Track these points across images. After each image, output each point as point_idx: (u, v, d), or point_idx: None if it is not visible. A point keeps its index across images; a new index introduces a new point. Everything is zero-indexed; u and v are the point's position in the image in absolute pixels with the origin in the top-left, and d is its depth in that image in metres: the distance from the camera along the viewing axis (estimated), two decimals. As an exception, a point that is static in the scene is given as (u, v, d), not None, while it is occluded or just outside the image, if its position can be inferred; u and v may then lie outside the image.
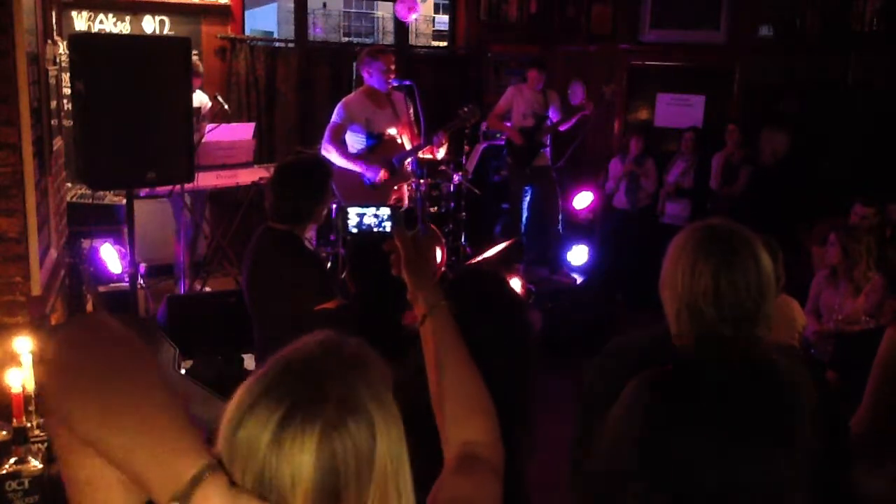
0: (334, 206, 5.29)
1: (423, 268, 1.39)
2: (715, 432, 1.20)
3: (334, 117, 5.10)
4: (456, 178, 6.27)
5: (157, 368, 0.90)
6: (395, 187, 5.23)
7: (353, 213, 1.53)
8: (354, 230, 1.53)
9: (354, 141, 5.14)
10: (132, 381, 0.86)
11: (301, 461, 0.86)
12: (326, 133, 5.07)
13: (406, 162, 5.30)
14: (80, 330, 0.92)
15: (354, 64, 6.12)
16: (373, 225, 1.52)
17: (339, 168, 4.90)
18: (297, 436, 0.86)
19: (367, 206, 1.54)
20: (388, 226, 1.51)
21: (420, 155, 5.44)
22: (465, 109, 5.44)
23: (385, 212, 1.50)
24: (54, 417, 0.88)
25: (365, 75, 5.17)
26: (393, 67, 5.11)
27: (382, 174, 5.05)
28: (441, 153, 5.47)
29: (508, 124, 6.65)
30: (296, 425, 0.87)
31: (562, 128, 6.61)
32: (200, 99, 5.70)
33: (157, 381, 0.88)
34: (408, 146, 5.25)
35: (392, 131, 5.21)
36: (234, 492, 0.84)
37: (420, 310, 1.36)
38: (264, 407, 0.88)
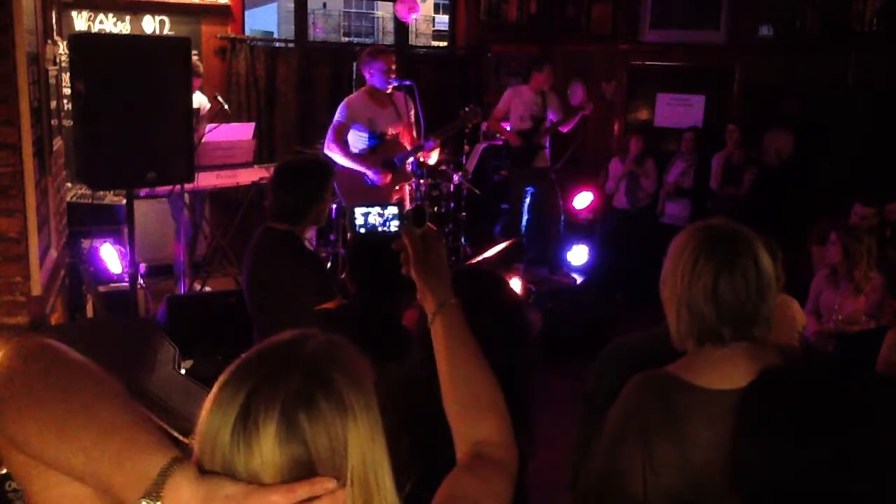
0: (334, 206, 5.31)
1: (433, 266, 1.37)
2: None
3: (337, 116, 5.11)
4: (456, 178, 6.27)
5: (110, 378, 0.89)
6: (397, 187, 5.24)
7: (358, 212, 1.51)
8: (361, 229, 1.51)
9: (357, 140, 5.15)
10: (85, 395, 0.85)
11: (266, 435, 0.84)
12: (329, 133, 5.08)
13: (407, 162, 5.30)
14: (21, 354, 0.90)
15: (354, 64, 6.12)
16: (378, 224, 1.50)
17: (341, 168, 4.90)
18: (259, 410, 0.85)
19: (373, 206, 1.52)
20: (393, 225, 1.49)
21: (417, 158, 5.45)
22: (467, 109, 5.44)
23: (392, 210, 1.49)
24: (5, 442, 0.86)
25: (366, 75, 5.17)
26: (394, 67, 5.11)
27: (384, 178, 5.07)
28: (433, 159, 5.45)
29: (507, 126, 6.64)
30: (258, 401, 0.85)
31: (563, 129, 6.60)
32: (199, 100, 5.70)
33: (110, 390, 0.87)
34: (409, 145, 5.26)
35: (394, 131, 5.21)
36: (205, 478, 0.83)
37: (430, 308, 1.34)
38: (229, 390, 0.87)
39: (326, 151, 5.05)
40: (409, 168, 5.36)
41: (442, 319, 1.32)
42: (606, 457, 1.56)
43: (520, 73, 7.24)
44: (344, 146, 5.05)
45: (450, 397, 1.28)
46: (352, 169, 5.04)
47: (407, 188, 5.40)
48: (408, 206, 5.30)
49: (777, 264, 2.96)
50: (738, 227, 1.57)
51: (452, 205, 6.42)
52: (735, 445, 1.11)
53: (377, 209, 1.50)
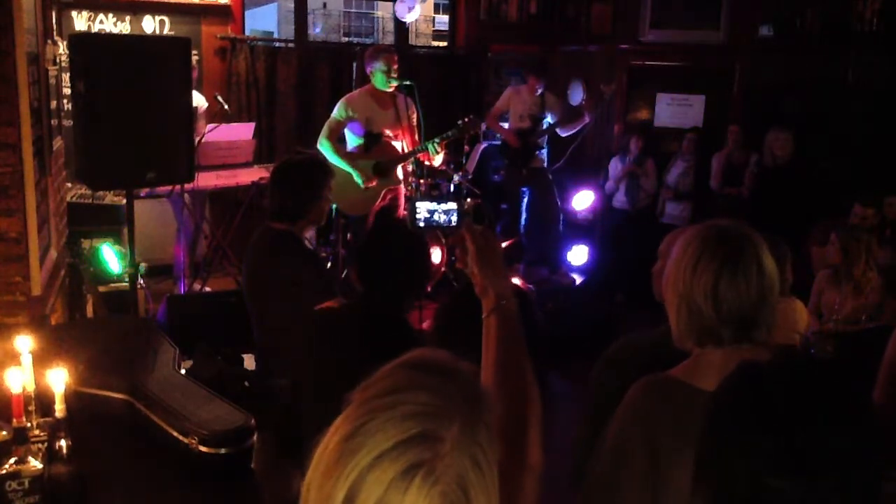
0: (334, 206, 5.30)
1: (493, 263, 1.37)
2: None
3: (334, 113, 5.11)
4: (456, 178, 6.27)
5: None
6: (384, 191, 5.24)
7: (422, 207, 1.50)
8: (420, 223, 1.50)
9: (350, 138, 5.15)
10: None
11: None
12: (324, 128, 5.09)
13: (399, 167, 5.28)
14: None
15: (354, 64, 6.12)
16: (442, 221, 1.49)
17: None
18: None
19: (439, 202, 1.51)
20: (453, 220, 1.47)
21: (418, 158, 5.44)
22: (466, 120, 5.38)
23: (451, 206, 1.48)
24: None
25: (369, 74, 5.18)
26: (395, 67, 5.09)
27: (369, 181, 5.08)
28: (438, 160, 5.44)
29: (506, 126, 6.63)
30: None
31: (563, 133, 6.58)
32: (197, 100, 5.68)
33: None
34: (406, 149, 5.25)
35: (390, 133, 5.20)
36: None
37: (488, 304, 1.34)
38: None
39: (318, 146, 5.06)
40: (398, 175, 5.33)
41: (498, 315, 1.32)
42: (613, 461, 1.55)
43: (519, 73, 7.23)
44: (335, 143, 5.06)
45: (493, 392, 1.27)
46: (340, 168, 5.05)
47: (402, 190, 5.39)
48: (401, 208, 5.30)
49: (785, 265, 2.97)
50: (746, 229, 1.55)
51: (452, 205, 6.40)
52: (698, 446, 1.10)
53: (443, 206, 1.49)
